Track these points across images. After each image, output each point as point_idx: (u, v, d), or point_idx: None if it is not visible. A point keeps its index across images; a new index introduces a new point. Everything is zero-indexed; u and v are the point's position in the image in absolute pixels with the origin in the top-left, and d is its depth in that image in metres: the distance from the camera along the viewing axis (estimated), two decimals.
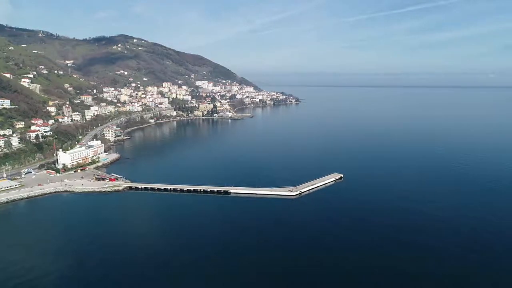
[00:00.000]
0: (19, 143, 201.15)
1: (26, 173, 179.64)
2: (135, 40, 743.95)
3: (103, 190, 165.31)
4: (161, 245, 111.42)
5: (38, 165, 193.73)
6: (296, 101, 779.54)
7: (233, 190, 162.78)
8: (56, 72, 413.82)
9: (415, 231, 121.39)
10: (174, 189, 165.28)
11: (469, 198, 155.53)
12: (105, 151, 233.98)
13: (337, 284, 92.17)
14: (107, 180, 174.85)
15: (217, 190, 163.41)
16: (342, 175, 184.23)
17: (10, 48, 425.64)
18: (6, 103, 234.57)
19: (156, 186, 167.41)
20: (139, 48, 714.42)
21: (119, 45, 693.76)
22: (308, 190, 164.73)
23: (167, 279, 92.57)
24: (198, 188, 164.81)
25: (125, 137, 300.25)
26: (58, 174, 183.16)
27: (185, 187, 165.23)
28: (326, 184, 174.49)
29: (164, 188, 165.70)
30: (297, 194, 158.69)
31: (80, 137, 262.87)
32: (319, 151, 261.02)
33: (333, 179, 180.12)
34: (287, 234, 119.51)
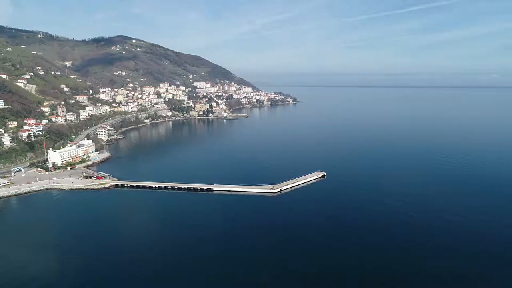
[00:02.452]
0: (10, 142, 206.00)
1: (16, 172, 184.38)
2: (133, 41, 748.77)
3: (89, 187, 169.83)
4: (137, 241, 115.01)
5: (28, 164, 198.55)
6: (293, 101, 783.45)
7: (216, 187, 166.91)
8: (53, 73, 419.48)
9: (391, 231, 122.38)
10: (158, 186, 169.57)
11: (450, 198, 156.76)
12: (97, 150, 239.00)
13: (310, 284, 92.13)
14: (94, 178, 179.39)
15: (201, 188, 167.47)
16: (325, 174, 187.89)
17: (8, 49, 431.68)
18: (0, 103, 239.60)
19: (141, 183, 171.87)
20: (138, 49, 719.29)
21: (118, 46, 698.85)
22: (289, 187, 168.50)
23: (145, 277, 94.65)
24: (182, 185, 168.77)
25: (119, 137, 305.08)
26: (47, 173, 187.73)
27: (169, 185, 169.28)
28: (308, 182, 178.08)
29: (149, 186, 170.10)
30: (277, 192, 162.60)
31: (73, 136, 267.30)
32: (307, 150, 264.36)
33: (316, 177, 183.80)
34: (259, 232, 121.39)
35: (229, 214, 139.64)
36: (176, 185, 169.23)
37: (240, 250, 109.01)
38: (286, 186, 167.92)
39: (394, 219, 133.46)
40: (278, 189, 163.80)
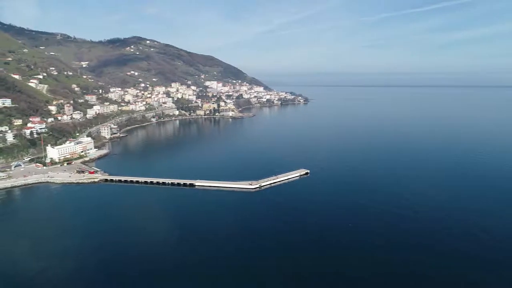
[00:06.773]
0: (13, 138, 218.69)
1: (15, 166, 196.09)
2: (147, 42, 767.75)
3: (80, 181, 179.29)
4: (111, 233, 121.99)
5: (28, 159, 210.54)
6: (304, 101, 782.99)
7: (198, 183, 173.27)
8: (65, 73, 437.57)
9: (367, 230, 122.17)
10: (145, 181, 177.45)
11: (443, 199, 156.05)
12: (99, 148, 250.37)
13: (281, 285, 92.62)
14: (86, 173, 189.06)
15: (184, 183, 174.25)
16: (308, 171, 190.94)
17: (25, 50, 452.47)
18: (7, 102, 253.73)
19: (129, 178, 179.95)
20: (151, 49, 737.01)
21: (132, 46, 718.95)
22: (269, 184, 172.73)
23: (112, 269, 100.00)
24: (167, 180, 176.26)
25: (122, 135, 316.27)
26: (44, 167, 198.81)
27: (154, 180, 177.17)
28: (290, 179, 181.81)
29: (136, 181, 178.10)
30: (256, 188, 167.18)
31: (77, 134, 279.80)
32: (299, 149, 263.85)
33: (298, 174, 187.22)
34: (230, 228, 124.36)
35: (205, 209, 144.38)
36: (161, 180, 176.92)
37: (206, 249, 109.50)
38: (266, 182, 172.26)
39: (370, 219, 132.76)
40: (257, 185, 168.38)
